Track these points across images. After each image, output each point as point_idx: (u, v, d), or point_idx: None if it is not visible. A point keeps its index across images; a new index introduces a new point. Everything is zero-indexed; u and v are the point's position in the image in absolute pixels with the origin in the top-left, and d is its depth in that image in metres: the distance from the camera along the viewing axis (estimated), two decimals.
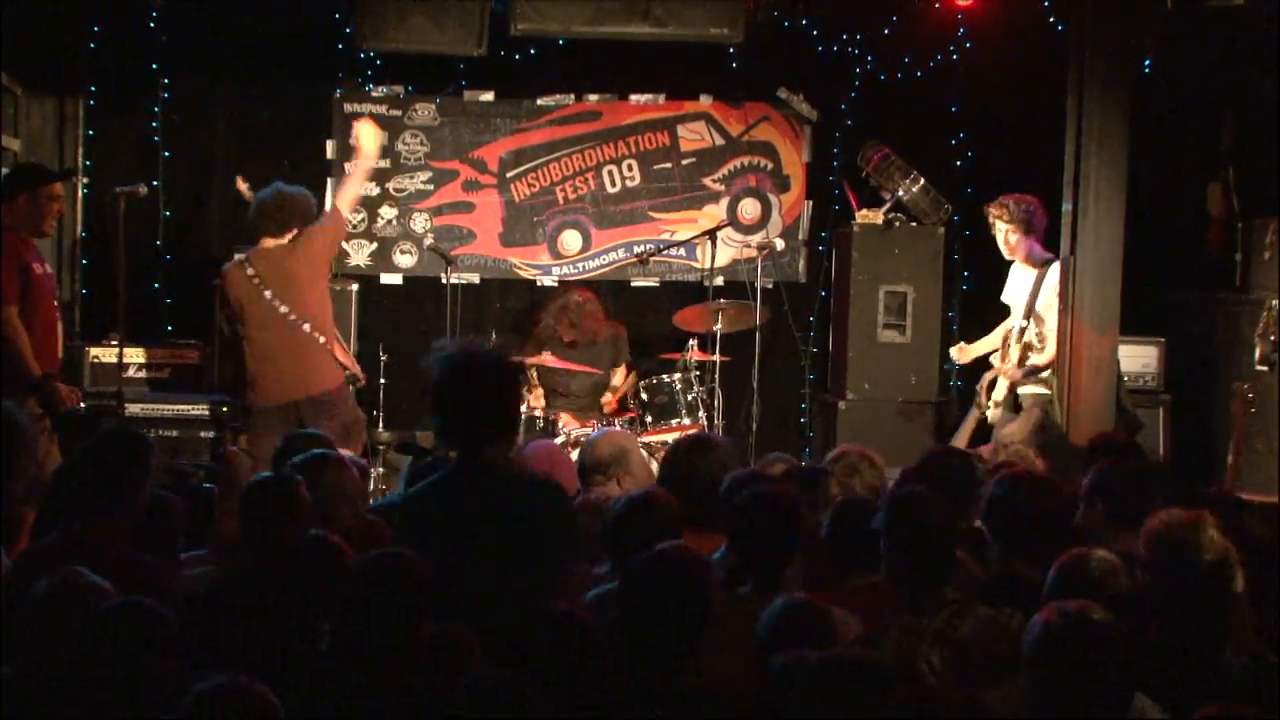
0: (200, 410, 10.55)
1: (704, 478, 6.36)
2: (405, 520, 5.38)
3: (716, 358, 10.66)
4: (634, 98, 12.27)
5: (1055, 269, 9.86)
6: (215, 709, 3.94)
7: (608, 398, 11.23)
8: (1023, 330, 9.82)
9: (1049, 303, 9.79)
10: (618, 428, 9.87)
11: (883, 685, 4.08)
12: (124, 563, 5.31)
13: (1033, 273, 9.88)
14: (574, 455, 9.74)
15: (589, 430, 10.04)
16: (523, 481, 5.46)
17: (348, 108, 11.98)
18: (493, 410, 5.30)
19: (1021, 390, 9.82)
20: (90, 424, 9.06)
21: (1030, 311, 9.83)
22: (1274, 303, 10.24)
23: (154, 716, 4.19)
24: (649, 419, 10.33)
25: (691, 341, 10.66)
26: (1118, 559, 5.13)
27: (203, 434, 10.43)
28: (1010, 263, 10.06)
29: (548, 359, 10.74)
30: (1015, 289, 10.02)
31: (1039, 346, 9.73)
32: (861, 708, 3.76)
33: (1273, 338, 10.11)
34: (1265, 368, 10.21)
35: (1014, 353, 9.79)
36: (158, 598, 4.67)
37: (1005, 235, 9.89)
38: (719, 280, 11.20)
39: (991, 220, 9.95)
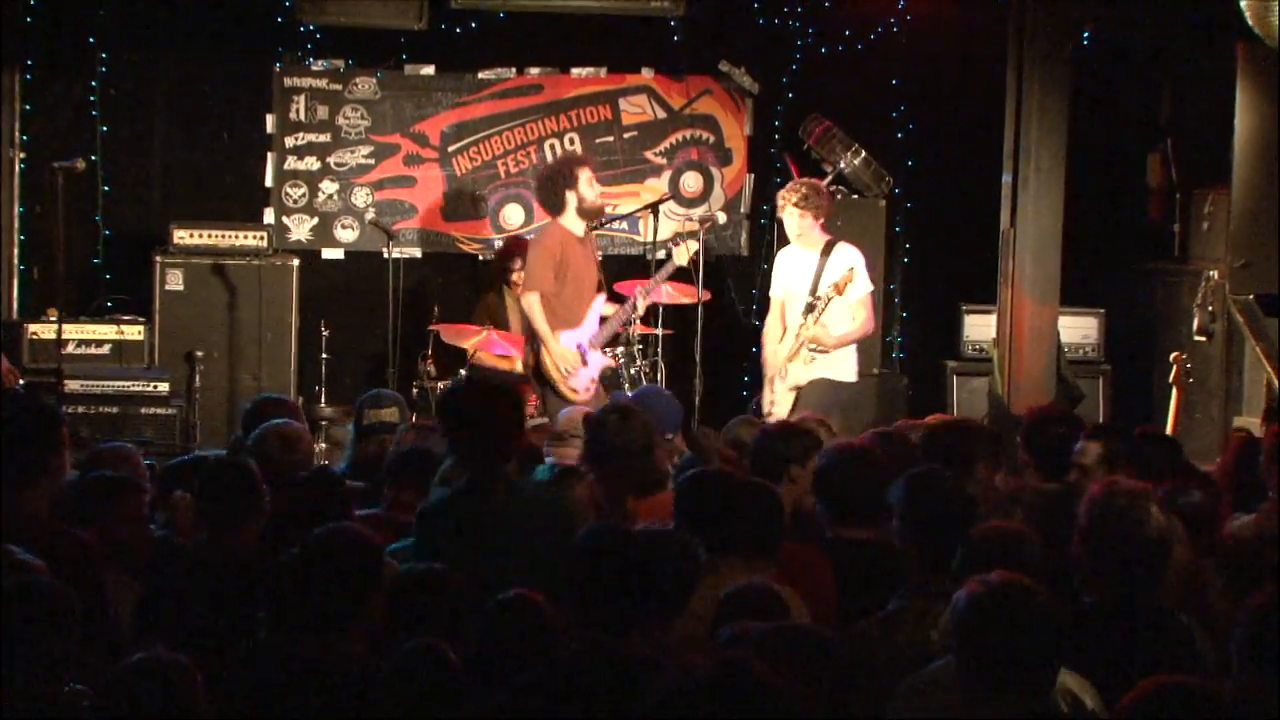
0: (140, 386, 10.49)
1: (632, 445, 6.37)
2: (423, 530, 5.59)
3: (659, 331, 10.66)
4: (575, 71, 12.25)
5: (840, 251, 9.86)
6: (137, 683, 3.93)
7: None
8: (810, 307, 9.80)
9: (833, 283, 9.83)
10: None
11: (824, 657, 4.08)
12: (47, 536, 5.29)
13: (813, 254, 9.86)
14: None
15: (533, 409, 10.01)
16: (532, 495, 5.88)
17: (287, 81, 11.92)
18: (502, 430, 5.68)
19: (807, 375, 9.80)
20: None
21: (815, 290, 9.82)
22: (1212, 273, 10.34)
23: (69, 692, 4.16)
24: None
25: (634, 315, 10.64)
26: (1028, 530, 5.12)
27: (143, 410, 10.39)
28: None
29: (487, 353, 10.65)
30: (793, 272, 9.92)
31: (826, 326, 9.74)
32: (802, 678, 3.74)
33: (1210, 308, 10.22)
34: (1203, 338, 10.31)
35: (807, 331, 9.75)
36: (83, 570, 4.66)
37: (798, 219, 9.84)
38: (661, 254, 11.19)
39: (783, 204, 9.90)
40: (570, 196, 9.65)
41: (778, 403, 9.83)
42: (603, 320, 9.85)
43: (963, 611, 4.10)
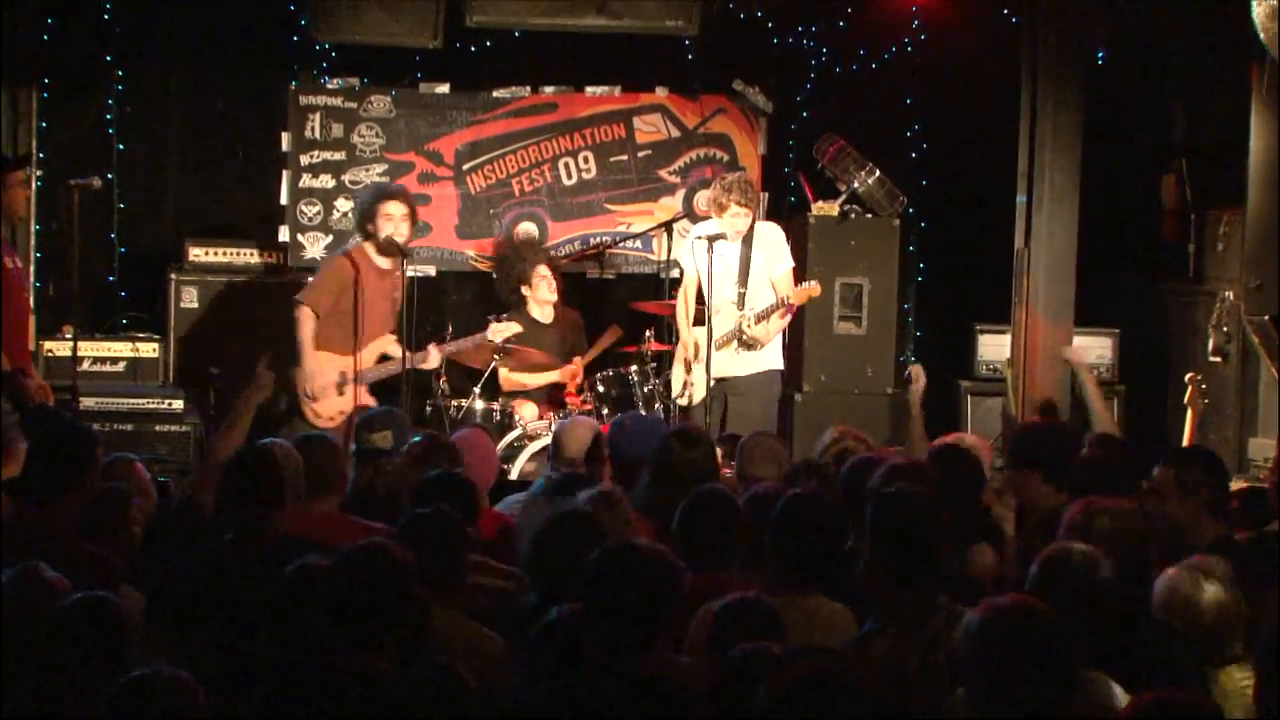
0: (155, 404, 10.51)
1: (698, 472, 6.42)
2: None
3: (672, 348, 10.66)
4: (590, 90, 12.26)
5: (763, 230, 10.19)
6: (138, 699, 3.95)
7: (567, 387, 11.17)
8: (741, 297, 9.94)
9: (764, 263, 10.05)
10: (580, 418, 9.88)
11: (847, 684, 4.06)
12: (72, 553, 5.33)
13: (735, 245, 10.05)
14: (532, 447, 9.78)
15: (545, 423, 10.02)
16: None
17: (303, 100, 11.93)
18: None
19: (736, 367, 9.90)
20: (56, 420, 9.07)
21: (745, 276, 9.99)
22: (1227, 293, 10.33)
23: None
24: (605, 411, 10.30)
25: (648, 333, 10.65)
26: (1096, 551, 5.07)
27: (158, 427, 10.41)
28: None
29: (511, 366, 10.67)
30: (714, 257, 9.86)
31: (763, 312, 9.92)
32: (824, 705, 3.71)
33: (1226, 328, 10.21)
34: (1218, 358, 10.30)
35: (748, 322, 9.91)
36: (105, 588, 4.71)
37: (744, 218, 10.05)
38: (675, 272, 11.21)
39: (725, 204, 10.05)
40: (371, 229, 9.82)
41: (695, 385, 9.94)
42: (383, 359, 9.93)
43: (974, 636, 4.07)
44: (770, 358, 10.14)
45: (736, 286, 9.98)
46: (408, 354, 9.76)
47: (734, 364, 9.98)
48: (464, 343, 10.19)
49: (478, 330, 10.40)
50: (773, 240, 10.16)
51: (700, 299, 10.20)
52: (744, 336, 9.95)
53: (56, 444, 5.94)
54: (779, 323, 10.01)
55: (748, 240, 10.06)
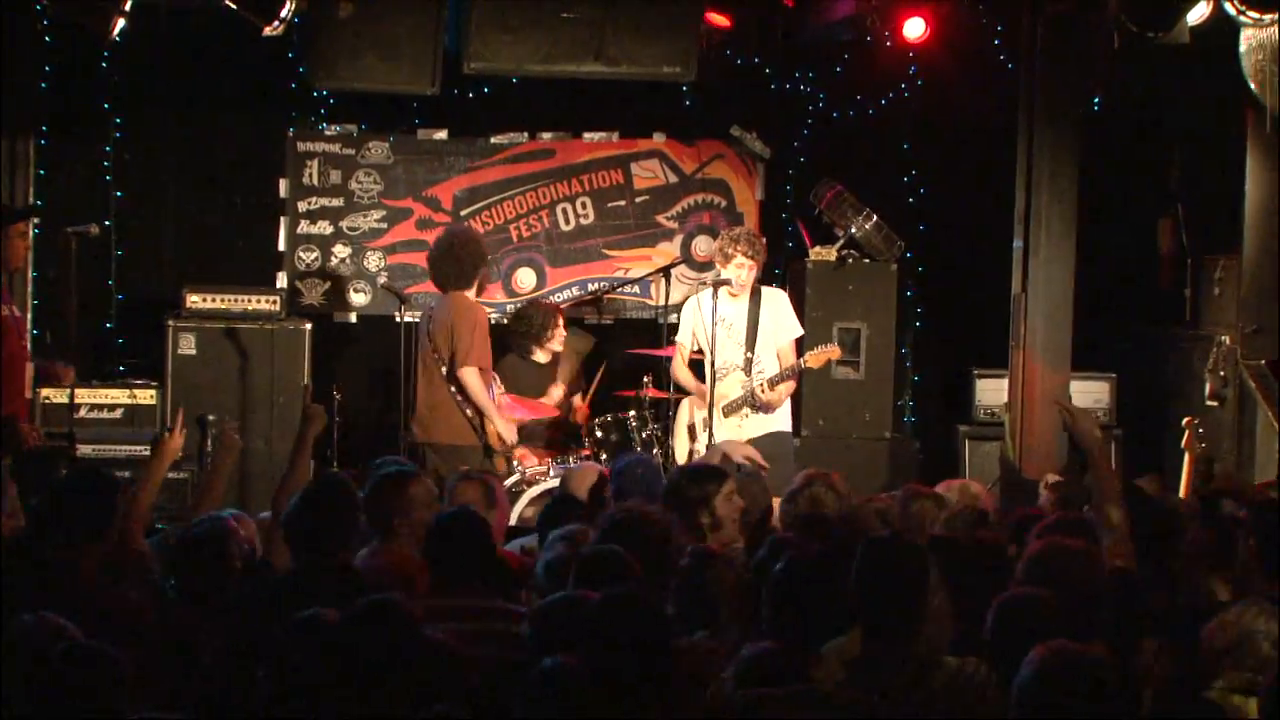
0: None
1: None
2: None
3: (671, 395, 10.65)
4: (587, 136, 12.29)
5: (770, 296, 10.15)
6: None
7: (579, 402, 11.18)
8: (749, 362, 9.95)
9: (772, 329, 10.07)
10: (574, 464, 9.86)
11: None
12: (100, 597, 5.36)
13: (742, 303, 10.04)
14: (530, 492, 9.76)
15: (544, 469, 10.01)
16: None
17: (301, 146, 11.97)
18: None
19: (744, 432, 9.89)
20: (51, 464, 9.06)
21: (753, 342, 9.99)
22: (1224, 338, 10.34)
23: None
24: (604, 456, 10.28)
25: (646, 379, 10.64)
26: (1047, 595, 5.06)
27: None
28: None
29: (508, 407, 10.67)
30: (718, 319, 9.93)
31: (777, 378, 9.93)
32: None
33: (1222, 373, 10.21)
34: (1215, 403, 10.30)
35: (763, 387, 9.92)
36: (135, 634, 4.72)
37: (749, 272, 10.03)
38: (673, 318, 11.23)
39: (731, 254, 10.00)
40: (480, 273, 10.15)
41: (700, 453, 9.93)
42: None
43: (1029, 679, 4.03)
44: (780, 420, 10.09)
45: (744, 351, 9.97)
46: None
47: (744, 430, 9.93)
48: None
49: None
50: (779, 307, 10.14)
51: (697, 352, 10.21)
52: (758, 402, 9.93)
53: (80, 493, 6.00)
54: (789, 386, 10.01)
55: (754, 304, 10.04)
